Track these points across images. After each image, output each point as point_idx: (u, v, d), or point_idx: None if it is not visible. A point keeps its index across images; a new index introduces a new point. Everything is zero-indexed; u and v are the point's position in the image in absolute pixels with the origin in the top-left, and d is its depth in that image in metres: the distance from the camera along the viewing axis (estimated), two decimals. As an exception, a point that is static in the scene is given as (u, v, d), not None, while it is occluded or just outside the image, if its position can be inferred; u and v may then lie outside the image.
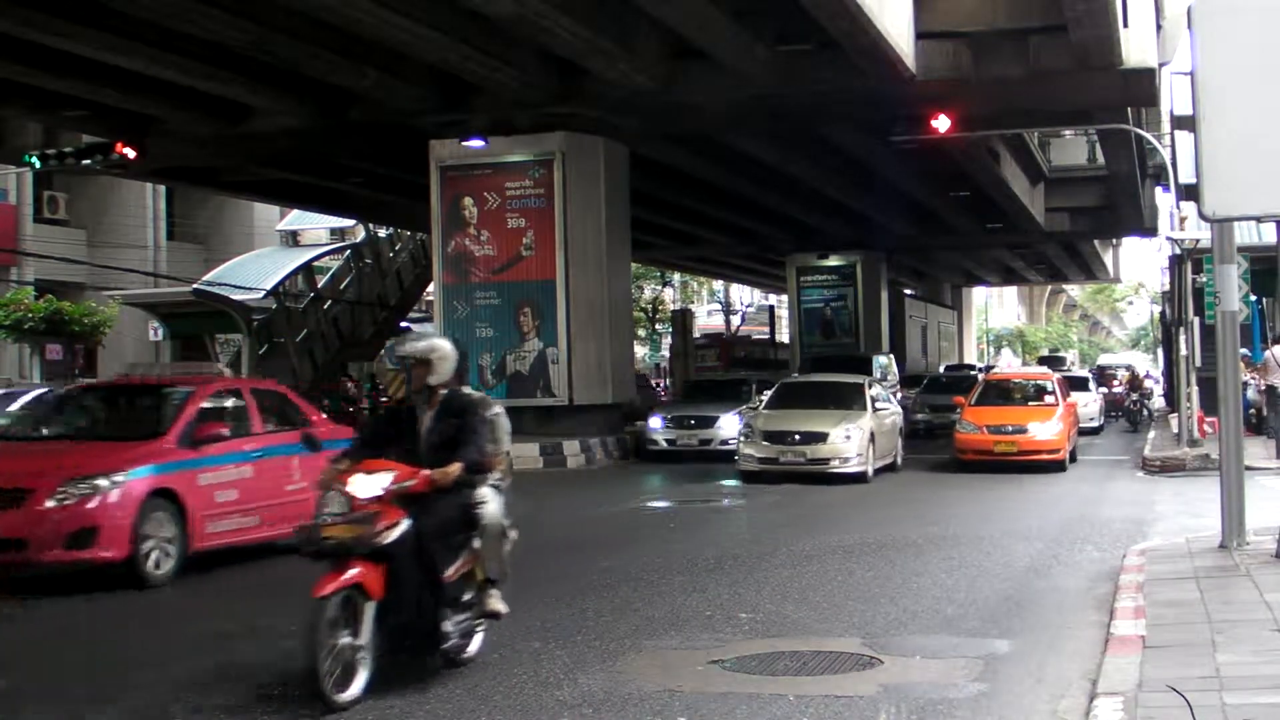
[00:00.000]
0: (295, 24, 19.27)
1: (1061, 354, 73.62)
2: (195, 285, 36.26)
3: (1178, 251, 28.84)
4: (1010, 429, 21.14)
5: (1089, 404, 31.14)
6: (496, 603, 7.55)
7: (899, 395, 30.50)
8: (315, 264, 40.18)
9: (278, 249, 43.46)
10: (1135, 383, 36.87)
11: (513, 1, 17.66)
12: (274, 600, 9.77)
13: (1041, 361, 58.92)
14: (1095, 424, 31.47)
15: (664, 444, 24.31)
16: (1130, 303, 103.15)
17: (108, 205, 40.17)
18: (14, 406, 18.84)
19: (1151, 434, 29.01)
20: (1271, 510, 12.26)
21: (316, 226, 45.49)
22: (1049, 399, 22.53)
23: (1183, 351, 25.76)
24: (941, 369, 46.73)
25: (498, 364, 24.37)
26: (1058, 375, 24.89)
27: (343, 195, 33.85)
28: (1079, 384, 31.85)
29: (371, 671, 6.74)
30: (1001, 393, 23.43)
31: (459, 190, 24.56)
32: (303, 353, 36.72)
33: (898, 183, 33.79)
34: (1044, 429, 21.11)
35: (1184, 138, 27.21)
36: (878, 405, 20.96)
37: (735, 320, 67.27)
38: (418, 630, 6.95)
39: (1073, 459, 22.10)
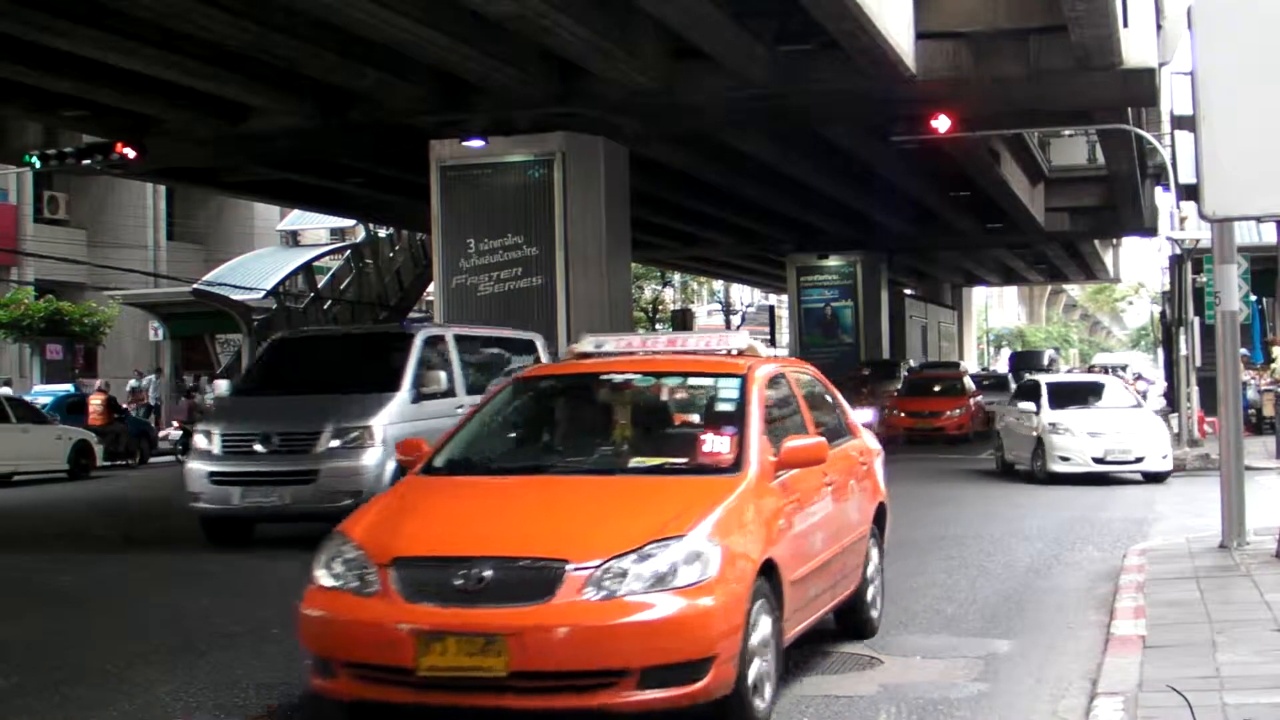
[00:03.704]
0: (295, 24, 19.24)
1: (1041, 349, 62.30)
2: (195, 285, 36.31)
3: (1178, 251, 28.85)
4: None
5: None
6: None
7: None
8: (315, 264, 40.27)
9: (278, 249, 43.54)
10: None
11: (513, 1, 17.63)
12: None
13: (1015, 359, 53.87)
14: None
15: None
16: (1130, 303, 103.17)
17: (108, 205, 40.21)
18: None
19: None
20: (1272, 510, 12.27)
21: (316, 226, 45.53)
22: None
23: (1183, 351, 25.77)
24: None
25: (498, 364, 24.34)
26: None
27: (343, 195, 33.83)
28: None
29: None
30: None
31: (459, 190, 24.54)
32: (303, 352, 36.70)
33: (898, 183, 33.78)
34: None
35: (1184, 138, 27.20)
36: None
37: (735, 320, 67.30)
38: None
39: None
